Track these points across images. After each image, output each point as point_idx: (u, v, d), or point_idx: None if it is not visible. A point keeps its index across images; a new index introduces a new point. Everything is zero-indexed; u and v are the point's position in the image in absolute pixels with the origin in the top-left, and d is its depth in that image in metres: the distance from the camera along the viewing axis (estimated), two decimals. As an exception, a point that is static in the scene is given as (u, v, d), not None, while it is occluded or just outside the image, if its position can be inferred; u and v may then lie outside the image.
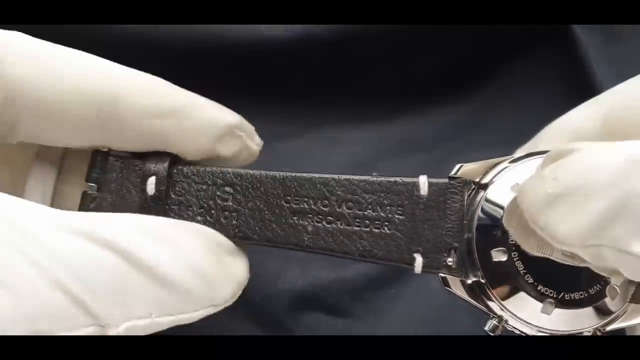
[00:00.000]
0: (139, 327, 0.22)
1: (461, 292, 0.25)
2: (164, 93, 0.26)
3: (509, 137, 0.29)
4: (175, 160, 0.27)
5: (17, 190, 0.28)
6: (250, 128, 0.28)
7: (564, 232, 0.21)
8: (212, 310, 0.24)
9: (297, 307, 0.34)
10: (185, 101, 0.26)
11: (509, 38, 0.38)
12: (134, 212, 0.26)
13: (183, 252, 0.23)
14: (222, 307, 0.25)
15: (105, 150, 0.27)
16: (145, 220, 0.24)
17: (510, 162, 0.26)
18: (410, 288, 0.35)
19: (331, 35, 0.36)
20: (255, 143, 0.28)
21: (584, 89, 0.35)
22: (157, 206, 0.26)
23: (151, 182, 0.26)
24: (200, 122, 0.26)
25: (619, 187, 0.20)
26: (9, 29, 0.25)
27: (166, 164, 0.27)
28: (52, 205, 0.28)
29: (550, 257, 0.23)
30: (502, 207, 0.25)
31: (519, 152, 0.27)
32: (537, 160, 0.25)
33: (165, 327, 0.23)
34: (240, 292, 0.25)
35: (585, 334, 0.25)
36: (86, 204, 0.27)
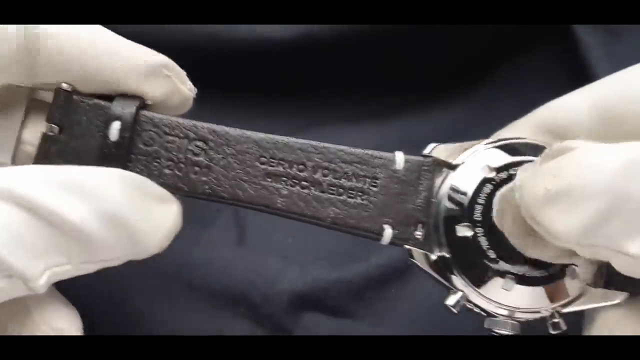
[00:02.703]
0: (58, 274, 0.22)
1: (425, 266, 0.26)
2: (87, 32, 0.25)
3: (509, 136, 0.29)
4: (142, 106, 0.26)
5: None
6: (181, 71, 0.26)
7: (561, 229, 0.21)
8: (135, 257, 0.24)
9: (297, 308, 0.34)
10: (109, 39, 0.25)
11: (510, 38, 0.38)
12: (94, 158, 0.25)
13: (99, 201, 0.22)
14: (147, 256, 0.24)
15: (69, 89, 0.25)
16: (56, 170, 0.23)
17: (484, 145, 0.26)
18: (410, 288, 0.35)
19: (331, 35, 0.36)
20: (187, 87, 0.26)
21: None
22: (119, 153, 0.25)
23: (115, 126, 0.25)
24: (126, 60, 0.25)
25: (614, 190, 0.20)
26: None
27: (133, 109, 0.25)
28: (14, 154, 0.26)
29: (541, 258, 0.24)
30: (470, 186, 0.25)
31: (495, 136, 0.27)
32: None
33: (89, 272, 0.23)
34: (168, 242, 0.24)
35: (544, 313, 0.25)
36: (46, 147, 0.25)
